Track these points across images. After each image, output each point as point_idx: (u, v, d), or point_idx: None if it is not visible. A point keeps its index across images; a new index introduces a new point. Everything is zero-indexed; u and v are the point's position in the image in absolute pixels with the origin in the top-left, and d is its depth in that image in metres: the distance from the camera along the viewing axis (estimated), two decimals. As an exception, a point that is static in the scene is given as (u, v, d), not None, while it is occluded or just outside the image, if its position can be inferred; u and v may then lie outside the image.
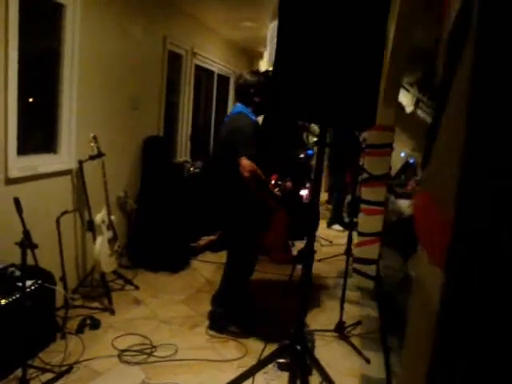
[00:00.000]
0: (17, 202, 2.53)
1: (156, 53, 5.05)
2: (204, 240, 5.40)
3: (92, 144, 3.70)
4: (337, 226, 6.95)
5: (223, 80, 7.48)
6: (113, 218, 3.87)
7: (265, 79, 3.27)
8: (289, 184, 4.30)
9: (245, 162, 2.99)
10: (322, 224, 7.07)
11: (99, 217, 3.67)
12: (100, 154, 3.75)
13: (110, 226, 3.81)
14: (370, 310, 4.22)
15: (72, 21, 3.62)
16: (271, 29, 2.08)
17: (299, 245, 5.97)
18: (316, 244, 6.17)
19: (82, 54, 3.74)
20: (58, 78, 3.65)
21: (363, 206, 4.76)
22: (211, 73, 6.87)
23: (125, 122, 4.53)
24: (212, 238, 5.54)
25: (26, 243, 2.38)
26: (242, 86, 3.25)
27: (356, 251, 4.85)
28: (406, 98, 9.65)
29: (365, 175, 4.63)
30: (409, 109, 9.64)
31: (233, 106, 3.39)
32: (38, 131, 3.75)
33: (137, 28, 4.54)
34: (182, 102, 5.81)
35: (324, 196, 8.56)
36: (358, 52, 1.73)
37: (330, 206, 8.06)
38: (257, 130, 3.19)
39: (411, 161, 7.58)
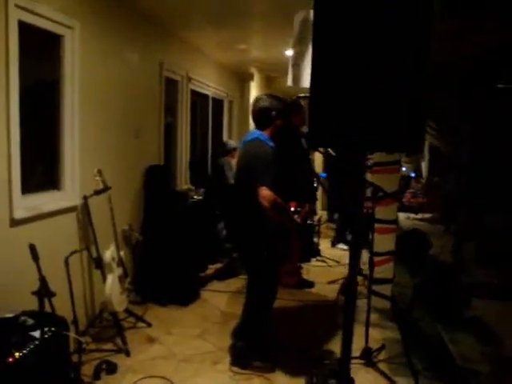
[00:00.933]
0: (32, 248, 2.37)
1: (153, 80, 4.95)
2: (211, 269, 5.24)
3: (97, 178, 3.55)
4: (341, 245, 6.84)
5: (218, 103, 7.40)
6: (122, 253, 3.71)
7: (284, 104, 3.17)
8: (306, 208, 4.20)
9: (264, 192, 2.87)
10: (326, 243, 6.96)
11: (108, 254, 3.51)
12: (106, 188, 3.60)
13: (120, 262, 3.65)
14: (389, 333, 4.08)
15: (71, 51, 3.50)
16: (295, 53, 1.97)
17: (307, 268, 5.84)
18: (324, 265, 6.10)
19: (83, 84, 3.62)
20: (60, 110, 3.52)
21: (376, 226, 4.66)
22: (206, 97, 6.79)
23: (126, 152, 4.40)
24: (218, 266, 5.39)
25: (43, 291, 2.21)
26: (263, 110, 3.13)
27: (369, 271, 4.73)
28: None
29: (379, 193, 4.55)
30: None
31: (249, 132, 3.27)
32: (40, 167, 3.59)
33: (134, 55, 4.45)
34: (179, 128, 5.70)
35: (323, 214, 8.47)
36: (402, 72, 1.63)
37: (331, 225, 7.97)
38: (274, 157, 3.07)
39: (413, 175, 7.55)
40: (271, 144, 3.12)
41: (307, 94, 1.99)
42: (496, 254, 6.41)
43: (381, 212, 4.64)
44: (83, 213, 3.66)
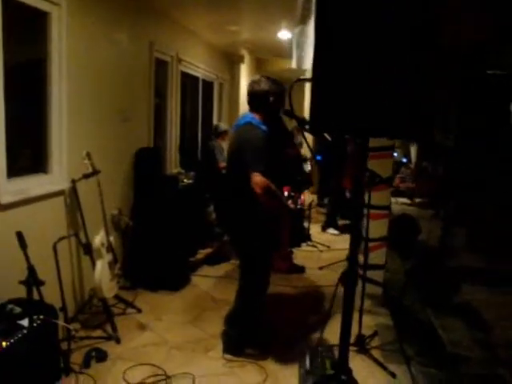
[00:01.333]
0: (20, 236, 2.27)
1: (143, 60, 4.82)
2: (201, 254, 5.17)
3: (86, 161, 3.45)
4: (331, 230, 6.81)
5: (208, 86, 7.26)
6: (111, 238, 3.63)
7: (282, 88, 3.08)
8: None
9: (257, 178, 2.78)
10: (317, 228, 6.93)
11: (98, 239, 3.42)
12: (95, 172, 3.50)
13: (110, 248, 3.56)
14: (382, 319, 4.07)
15: (57, 29, 3.37)
16: (298, 33, 1.88)
17: (297, 252, 5.81)
18: (314, 250, 6.07)
19: (70, 65, 3.49)
20: (46, 90, 3.40)
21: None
22: (196, 79, 6.65)
23: (116, 135, 4.29)
24: (209, 251, 5.33)
25: (32, 280, 2.13)
26: (261, 94, 3.02)
27: (363, 257, 4.71)
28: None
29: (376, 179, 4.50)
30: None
31: (241, 116, 3.17)
32: (26, 150, 3.47)
33: (123, 35, 4.31)
34: (169, 110, 5.57)
35: (314, 198, 8.42)
36: (409, 53, 1.56)
37: (321, 210, 7.93)
38: (267, 141, 2.98)
39: (404, 160, 7.53)
40: (264, 128, 3.03)
41: (306, 77, 1.91)
42: (485, 240, 6.44)
43: (374, 197, 4.59)
44: (71, 197, 3.56)
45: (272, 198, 2.86)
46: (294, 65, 1.87)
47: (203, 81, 6.91)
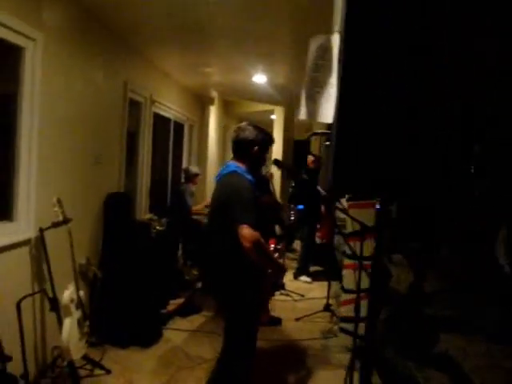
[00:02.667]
0: None
1: (116, 100, 4.62)
2: (172, 305, 4.87)
3: (56, 209, 3.17)
4: (304, 278, 6.63)
5: (178, 127, 7.09)
6: (81, 293, 3.31)
7: (268, 138, 2.95)
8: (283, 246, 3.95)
9: (245, 231, 2.58)
10: (289, 276, 6.73)
11: (67, 295, 3.10)
12: (66, 220, 3.22)
13: (79, 303, 3.24)
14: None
15: (31, 66, 3.15)
16: (308, 83, 1.75)
17: (272, 302, 5.58)
18: (288, 299, 5.86)
19: (43, 103, 3.25)
20: (15, 130, 3.13)
21: (348, 262, 4.50)
22: (168, 120, 6.48)
23: (86, 179, 4.03)
24: (180, 301, 5.03)
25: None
26: (247, 142, 2.87)
27: (343, 309, 4.55)
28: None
29: (349, 229, 4.40)
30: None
31: (224, 164, 2.99)
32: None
33: (98, 73, 4.12)
34: (141, 153, 5.34)
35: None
36: (450, 109, 1.45)
37: (290, 255, 7.77)
38: (254, 191, 2.81)
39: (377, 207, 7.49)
40: (249, 177, 2.86)
41: (324, 131, 1.77)
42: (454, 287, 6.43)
43: (353, 247, 4.47)
44: (38, 247, 3.25)
45: (261, 252, 2.67)
46: (303, 116, 1.73)
47: (174, 122, 6.75)
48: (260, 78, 6.15)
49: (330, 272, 5.60)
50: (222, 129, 10.01)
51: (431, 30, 1.46)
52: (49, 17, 3.30)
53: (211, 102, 8.24)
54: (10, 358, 2.01)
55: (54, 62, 3.39)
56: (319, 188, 5.15)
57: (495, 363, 4.41)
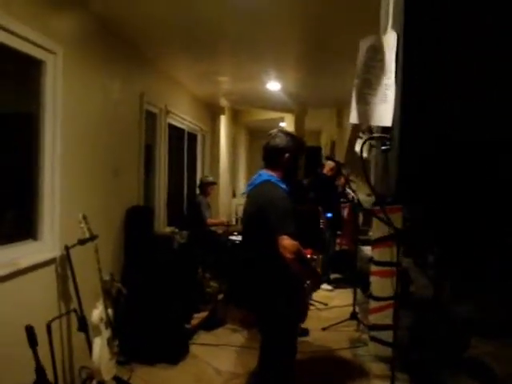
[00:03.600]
0: (30, 331, 1.88)
1: (134, 112, 4.56)
2: (196, 319, 4.76)
3: (82, 225, 3.08)
4: (325, 286, 6.51)
5: (192, 138, 7.03)
6: (109, 311, 3.22)
7: (299, 145, 2.86)
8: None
9: (286, 242, 2.49)
10: (309, 284, 6.61)
11: (96, 314, 3.01)
12: (92, 237, 3.14)
13: (109, 323, 3.15)
14: (402, 385, 3.76)
15: (52, 79, 3.09)
16: (359, 84, 1.66)
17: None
18: (312, 308, 5.74)
19: (65, 117, 3.18)
20: (38, 146, 3.06)
21: (375, 268, 4.39)
22: (182, 131, 6.41)
23: (107, 194, 3.95)
24: (204, 314, 4.92)
25: None
26: (278, 150, 2.78)
27: (372, 317, 4.43)
28: (359, 145, 9.64)
29: (376, 235, 4.29)
30: (364, 155, 9.58)
31: (256, 174, 2.88)
32: (12, 214, 3.08)
33: (116, 85, 4.06)
34: (158, 165, 5.27)
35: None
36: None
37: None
38: (290, 201, 2.72)
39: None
40: (283, 186, 2.77)
41: (380, 135, 1.68)
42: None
43: (379, 253, 4.38)
44: (64, 266, 3.17)
45: (303, 262, 2.57)
46: (354, 120, 1.65)
47: (188, 133, 6.68)
48: (274, 86, 6.09)
49: (354, 279, 5.48)
50: (232, 139, 9.95)
51: (501, 26, 1.37)
52: (67, 30, 3.24)
53: (222, 111, 8.19)
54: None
55: (74, 76, 3.33)
56: (352, 192, 5.05)
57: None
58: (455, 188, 1.45)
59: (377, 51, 1.67)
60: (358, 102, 1.73)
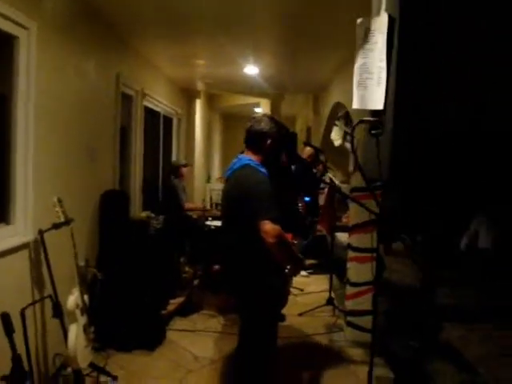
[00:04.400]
0: (5, 318, 1.79)
1: (109, 94, 4.42)
2: (173, 304, 4.71)
3: (57, 209, 2.98)
4: (302, 272, 6.53)
5: (168, 121, 6.90)
6: (86, 297, 3.14)
7: (282, 131, 2.81)
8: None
9: (268, 226, 2.45)
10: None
11: (72, 300, 2.93)
12: (68, 221, 3.04)
13: (85, 309, 3.07)
14: (382, 370, 3.81)
15: (26, 57, 2.94)
16: (359, 69, 1.62)
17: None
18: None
19: (38, 98, 3.05)
20: (10, 127, 2.93)
21: (353, 254, 4.41)
22: (158, 114, 6.28)
23: (81, 177, 3.84)
24: (180, 300, 4.87)
25: (17, 375, 1.66)
26: (259, 134, 2.73)
27: (348, 303, 4.47)
28: (334, 133, 9.68)
29: (353, 221, 4.31)
30: (337, 142, 9.62)
31: (235, 159, 2.83)
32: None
33: (91, 66, 3.92)
34: (133, 148, 5.16)
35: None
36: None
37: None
38: (271, 185, 2.68)
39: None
40: (263, 170, 2.73)
41: (370, 118, 1.65)
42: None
43: (357, 240, 4.40)
44: (37, 251, 3.07)
45: (285, 247, 2.55)
46: (356, 105, 1.62)
47: (164, 116, 6.55)
48: (251, 70, 6.01)
49: (330, 265, 5.52)
50: (207, 123, 9.83)
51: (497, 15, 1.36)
52: (42, 5, 3.10)
53: (197, 95, 8.08)
54: (28, 374, 1.83)
55: (48, 54, 3.19)
56: (331, 177, 5.04)
57: (497, 351, 4.40)
58: (444, 173, 1.45)
59: (372, 34, 1.64)
60: (358, 87, 1.70)
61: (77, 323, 2.94)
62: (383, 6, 1.60)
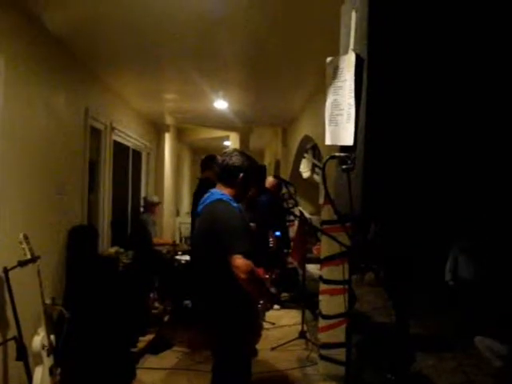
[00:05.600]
0: None
1: (78, 128, 4.39)
2: (143, 342, 4.59)
3: (23, 246, 2.90)
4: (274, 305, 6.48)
5: (137, 155, 6.86)
6: (52, 337, 3.03)
7: (254, 163, 2.85)
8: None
9: (239, 261, 2.45)
10: (257, 303, 6.57)
11: (38, 341, 2.82)
12: (34, 258, 2.95)
13: (51, 350, 2.96)
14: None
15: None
16: (330, 105, 1.67)
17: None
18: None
19: (5, 132, 3.01)
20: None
21: (324, 287, 4.42)
22: (127, 148, 6.25)
23: (50, 213, 3.76)
24: (150, 337, 4.75)
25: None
26: (232, 169, 2.75)
27: (321, 336, 4.44)
28: (303, 165, 9.82)
29: (325, 253, 4.34)
30: (306, 174, 9.76)
31: (208, 193, 2.83)
32: None
33: (59, 99, 3.90)
34: (102, 183, 5.09)
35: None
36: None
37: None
38: (244, 219, 2.70)
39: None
40: (236, 205, 2.74)
41: (341, 154, 1.69)
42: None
43: (328, 272, 4.42)
44: (1, 289, 2.96)
45: (257, 282, 2.54)
46: (328, 142, 1.65)
47: (133, 150, 6.52)
48: (221, 104, 6.09)
49: (302, 298, 5.51)
50: (176, 157, 9.83)
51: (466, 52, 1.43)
52: (9, 39, 3.08)
53: (167, 129, 8.09)
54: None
55: (15, 87, 3.16)
56: (302, 210, 5.08)
57: (468, 379, 4.45)
58: (417, 206, 1.48)
59: (341, 72, 1.69)
60: (330, 124, 1.74)
61: (43, 365, 2.83)
62: (351, 46, 1.66)
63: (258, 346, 4.80)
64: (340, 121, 1.63)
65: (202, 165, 4.75)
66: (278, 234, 5.61)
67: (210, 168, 4.37)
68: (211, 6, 3.19)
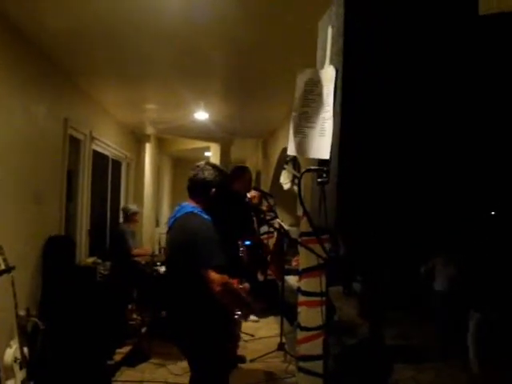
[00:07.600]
0: None
1: (57, 137, 4.36)
2: (120, 354, 4.52)
3: (-3, 256, 2.85)
4: (252, 317, 6.46)
5: (116, 165, 6.82)
6: (25, 350, 2.97)
7: (225, 177, 2.85)
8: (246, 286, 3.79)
9: (213, 275, 2.43)
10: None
11: (10, 354, 2.77)
12: (8, 269, 2.91)
13: (24, 362, 2.90)
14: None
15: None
16: (296, 117, 1.69)
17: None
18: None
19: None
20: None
21: (303, 298, 4.43)
22: (106, 158, 6.21)
23: (26, 222, 3.72)
24: (127, 349, 4.69)
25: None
26: (203, 183, 2.73)
27: (300, 348, 4.44)
28: (283, 176, 9.86)
29: (303, 265, 4.35)
30: (286, 186, 9.79)
31: (178, 206, 2.82)
32: None
33: (39, 109, 3.87)
34: (80, 192, 5.05)
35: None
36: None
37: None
38: (216, 231, 2.68)
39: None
40: (207, 217, 2.73)
41: (317, 167, 1.71)
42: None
43: (306, 284, 4.42)
44: (-26, 301, 2.90)
45: (232, 294, 2.54)
46: (291, 152, 1.66)
47: (112, 160, 6.48)
48: (202, 115, 6.10)
49: (281, 310, 5.50)
50: (156, 167, 9.80)
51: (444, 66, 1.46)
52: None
53: (147, 139, 8.07)
54: None
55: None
56: (280, 222, 5.09)
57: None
58: (392, 219, 1.50)
59: (315, 85, 1.71)
60: (296, 135, 1.75)
61: (14, 379, 2.77)
62: (328, 59, 1.69)
63: (241, 355, 4.84)
64: (309, 133, 1.65)
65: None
66: (247, 243, 5.60)
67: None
68: (192, 18, 3.22)
